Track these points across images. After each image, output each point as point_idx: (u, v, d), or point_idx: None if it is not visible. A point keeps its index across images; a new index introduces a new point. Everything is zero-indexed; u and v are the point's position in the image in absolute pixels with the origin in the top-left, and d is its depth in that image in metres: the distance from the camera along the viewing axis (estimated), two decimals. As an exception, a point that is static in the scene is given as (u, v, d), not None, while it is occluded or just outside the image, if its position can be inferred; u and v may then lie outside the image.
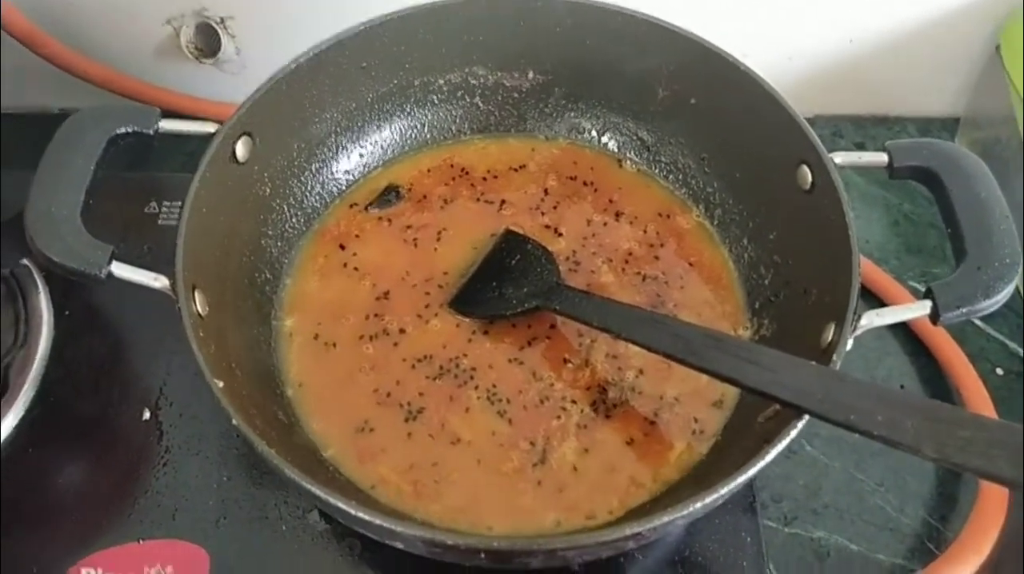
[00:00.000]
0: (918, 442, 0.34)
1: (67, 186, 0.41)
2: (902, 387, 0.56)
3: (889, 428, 0.34)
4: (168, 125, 0.44)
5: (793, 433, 0.36)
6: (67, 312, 0.54)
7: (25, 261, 0.54)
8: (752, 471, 0.35)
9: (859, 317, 0.40)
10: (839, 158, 0.45)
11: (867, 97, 0.70)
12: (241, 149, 0.47)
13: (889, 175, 0.45)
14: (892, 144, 0.45)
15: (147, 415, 0.50)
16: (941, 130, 0.70)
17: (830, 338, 0.40)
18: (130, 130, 0.43)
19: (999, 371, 0.56)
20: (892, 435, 0.34)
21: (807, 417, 0.37)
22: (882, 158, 0.45)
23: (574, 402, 0.46)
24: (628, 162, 0.56)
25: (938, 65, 0.68)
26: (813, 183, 0.46)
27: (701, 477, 0.43)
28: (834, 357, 0.38)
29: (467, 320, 0.49)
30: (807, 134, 0.46)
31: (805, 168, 0.46)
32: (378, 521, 0.34)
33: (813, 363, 0.38)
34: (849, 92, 0.69)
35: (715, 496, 0.35)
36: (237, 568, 0.46)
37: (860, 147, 0.70)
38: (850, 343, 0.40)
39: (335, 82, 0.51)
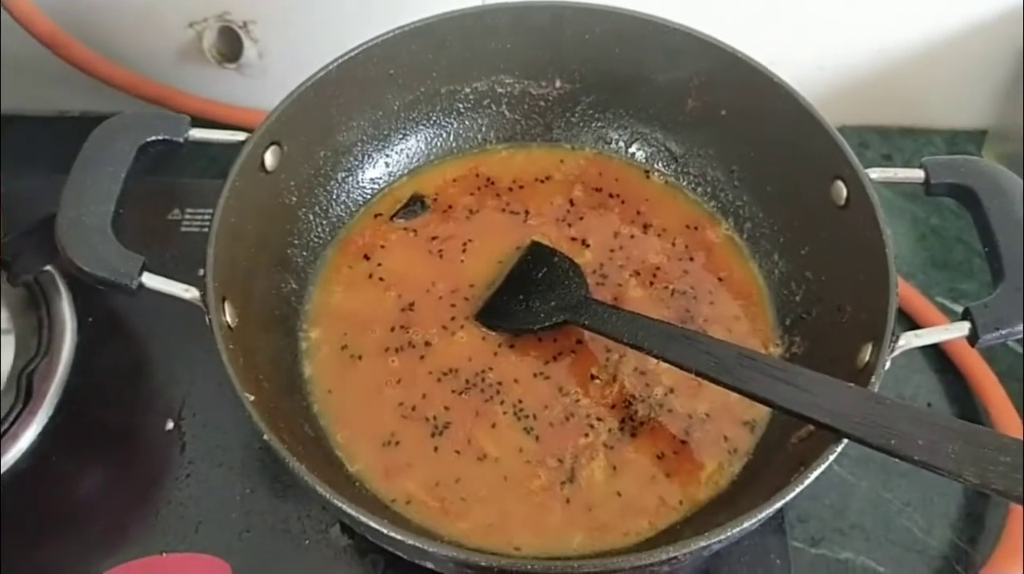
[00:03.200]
0: (959, 468, 0.33)
1: (98, 195, 0.40)
2: (929, 405, 0.55)
3: (930, 453, 0.34)
4: (198, 134, 0.44)
5: (831, 457, 0.36)
6: (90, 319, 0.53)
7: (48, 267, 0.54)
8: (791, 495, 0.35)
9: (897, 338, 0.39)
10: (875, 174, 0.44)
11: (894, 108, 0.70)
12: (270, 158, 0.46)
13: (925, 192, 0.45)
14: (929, 161, 0.44)
15: (170, 425, 0.50)
16: (968, 142, 0.69)
17: (867, 359, 0.40)
18: (160, 138, 0.43)
19: (1028, 390, 0.55)
20: (933, 460, 0.34)
21: (845, 441, 0.36)
22: (918, 174, 0.44)
23: (600, 419, 0.46)
24: (656, 173, 0.56)
25: (966, 77, 0.67)
26: (848, 199, 0.45)
27: (733, 498, 0.42)
28: (872, 379, 0.38)
29: (493, 333, 0.49)
30: (842, 149, 0.45)
31: (840, 183, 0.45)
32: (411, 541, 0.34)
33: (851, 385, 0.37)
34: (876, 103, 0.69)
35: (753, 521, 0.34)
36: (260, 583, 0.45)
37: (887, 159, 0.69)
38: (887, 364, 0.39)
39: (362, 90, 0.51)
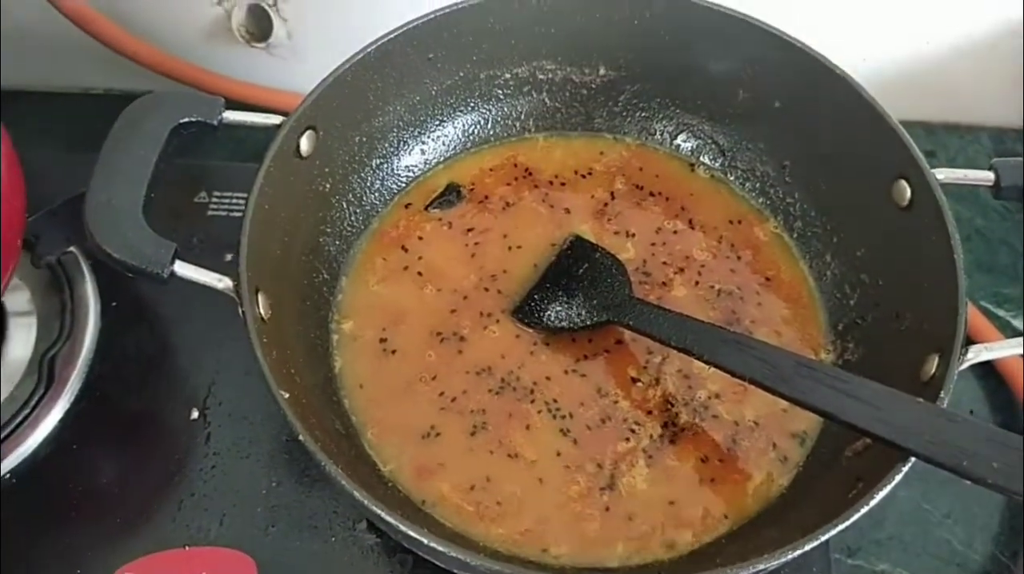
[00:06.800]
0: (1039, 494, 0.32)
1: (128, 178, 0.39)
2: (971, 413, 0.53)
3: (1007, 477, 0.32)
4: (232, 116, 0.42)
5: (898, 477, 0.34)
6: (114, 303, 0.52)
7: (72, 248, 0.52)
8: (855, 516, 0.33)
9: (966, 350, 0.37)
10: (941, 174, 0.42)
11: (939, 103, 0.67)
12: (305, 143, 0.44)
13: (994, 195, 0.43)
14: (999, 162, 0.42)
15: (195, 415, 0.49)
16: (1016, 141, 0.67)
17: (933, 371, 0.38)
18: (194, 119, 0.41)
19: (1077, 399, 0.53)
20: (1009, 485, 0.32)
21: (912, 460, 0.34)
22: (988, 176, 0.42)
23: (638, 424, 0.44)
24: (701, 167, 0.53)
25: (1015, 73, 0.64)
26: (912, 200, 0.43)
27: (782, 512, 0.41)
28: (941, 394, 0.36)
29: (529, 330, 0.47)
30: (908, 147, 0.43)
31: (903, 183, 0.43)
32: (453, 553, 0.32)
33: (920, 400, 0.35)
34: (921, 97, 0.66)
35: (814, 543, 0.32)
36: (286, 580, 0.44)
37: (930, 155, 0.66)
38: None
39: (400, 73, 0.49)
